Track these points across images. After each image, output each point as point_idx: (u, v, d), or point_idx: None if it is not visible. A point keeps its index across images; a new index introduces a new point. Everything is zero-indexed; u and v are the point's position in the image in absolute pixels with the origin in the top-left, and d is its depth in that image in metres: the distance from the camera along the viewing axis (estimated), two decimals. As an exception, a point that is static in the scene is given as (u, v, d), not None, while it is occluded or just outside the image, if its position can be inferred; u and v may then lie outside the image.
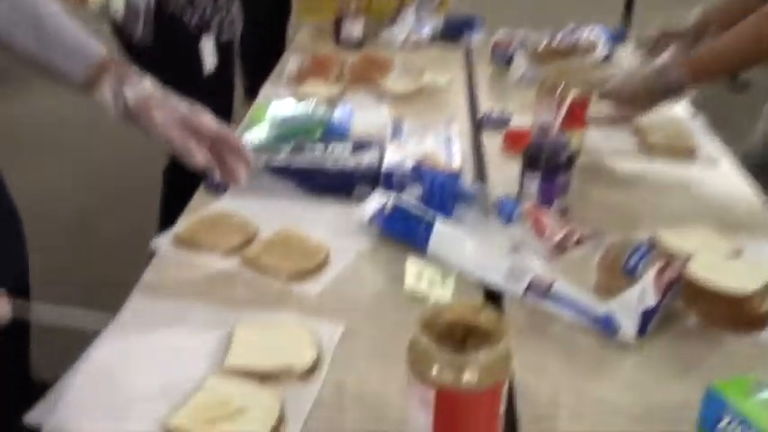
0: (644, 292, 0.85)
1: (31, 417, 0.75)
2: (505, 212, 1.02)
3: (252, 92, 2.07)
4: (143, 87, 0.99)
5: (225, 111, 1.93)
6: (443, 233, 1.04)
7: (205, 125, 0.99)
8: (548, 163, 1.10)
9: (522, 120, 1.43)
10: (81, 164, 2.92)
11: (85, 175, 2.85)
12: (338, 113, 1.37)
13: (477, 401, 0.64)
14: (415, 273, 0.99)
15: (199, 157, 0.98)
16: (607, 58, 1.82)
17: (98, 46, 1.02)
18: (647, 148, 1.40)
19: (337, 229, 1.10)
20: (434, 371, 0.62)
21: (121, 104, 0.98)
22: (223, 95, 1.92)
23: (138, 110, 0.98)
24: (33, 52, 1.00)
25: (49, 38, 1.00)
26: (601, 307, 0.88)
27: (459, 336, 0.69)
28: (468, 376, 0.62)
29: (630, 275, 0.87)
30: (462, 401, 0.63)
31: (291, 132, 1.27)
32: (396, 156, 1.21)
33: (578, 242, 0.94)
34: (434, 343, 0.63)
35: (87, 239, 2.49)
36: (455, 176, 1.16)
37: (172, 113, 0.99)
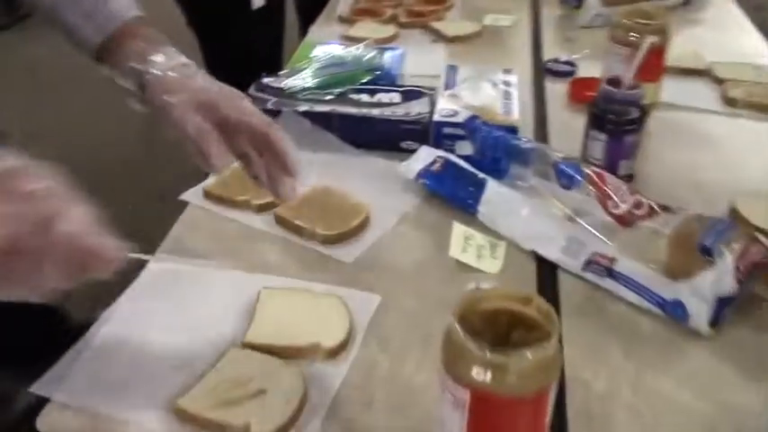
0: (721, 276, 0.74)
1: (39, 387, 0.69)
2: (566, 175, 0.92)
3: (307, 28, 1.98)
4: (167, 62, 0.77)
5: (274, 48, 1.84)
6: (496, 195, 0.95)
7: (236, 116, 0.75)
8: (616, 119, 0.98)
9: (590, 69, 1.30)
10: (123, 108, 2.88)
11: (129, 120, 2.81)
12: (388, 58, 1.26)
13: (519, 407, 0.55)
14: (462, 240, 0.90)
15: (214, 160, 0.74)
16: (688, 1, 1.66)
17: (126, 7, 0.82)
18: (730, 102, 1.26)
19: (380, 187, 1.01)
20: (470, 370, 0.54)
21: (135, 83, 0.78)
22: (272, 31, 1.83)
23: (153, 89, 0.76)
24: (47, 5, 0.83)
25: None
26: (669, 290, 0.78)
27: (503, 324, 0.60)
28: (510, 379, 0.53)
29: (706, 256, 0.76)
30: (501, 406, 0.55)
31: (336, 78, 1.18)
32: (448, 106, 1.10)
33: (647, 215, 0.83)
34: (472, 338, 0.54)
35: (127, 186, 2.45)
36: (512, 132, 1.05)
37: (195, 96, 0.75)
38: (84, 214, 0.57)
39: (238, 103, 0.76)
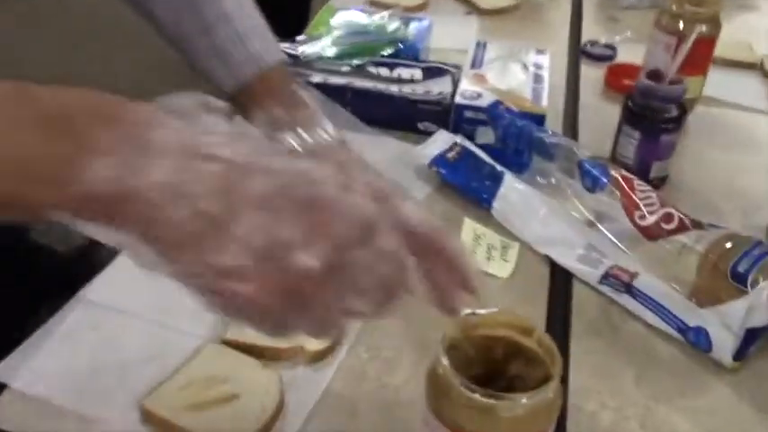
0: (753, 307, 0.67)
1: (-4, 372, 0.65)
2: (590, 176, 0.84)
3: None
4: (309, 137, 0.64)
5: (299, 9, 1.76)
6: (513, 192, 0.87)
7: (393, 221, 0.54)
8: (653, 117, 0.90)
9: (630, 53, 1.21)
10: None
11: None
12: (413, 29, 1.18)
13: (509, 454, 0.49)
14: (473, 238, 0.83)
15: None
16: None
17: (268, 50, 0.71)
18: (779, 100, 1.17)
19: (390, 170, 0.94)
20: (455, 412, 0.48)
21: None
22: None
23: None
24: (175, 33, 0.71)
25: (200, 18, 0.70)
26: (693, 315, 0.70)
27: (499, 353, 0.53)
28: (501, 425, 0.47)
29: (738, 283, 0.69)
30: (489, 452, 0.49)
31: (356, 48, 1.10)
32: (472, 88, 1.02)
33: (676, 230, 0.75)
34: (460, 375, 0.47)
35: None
36: (538, 122, 0.97)
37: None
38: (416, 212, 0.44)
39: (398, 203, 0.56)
